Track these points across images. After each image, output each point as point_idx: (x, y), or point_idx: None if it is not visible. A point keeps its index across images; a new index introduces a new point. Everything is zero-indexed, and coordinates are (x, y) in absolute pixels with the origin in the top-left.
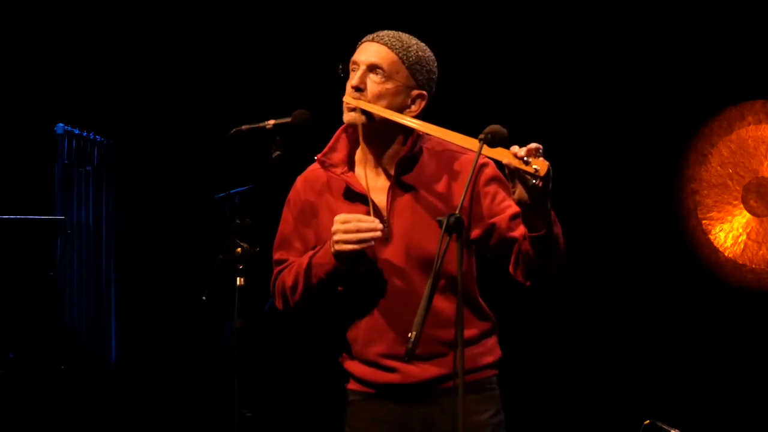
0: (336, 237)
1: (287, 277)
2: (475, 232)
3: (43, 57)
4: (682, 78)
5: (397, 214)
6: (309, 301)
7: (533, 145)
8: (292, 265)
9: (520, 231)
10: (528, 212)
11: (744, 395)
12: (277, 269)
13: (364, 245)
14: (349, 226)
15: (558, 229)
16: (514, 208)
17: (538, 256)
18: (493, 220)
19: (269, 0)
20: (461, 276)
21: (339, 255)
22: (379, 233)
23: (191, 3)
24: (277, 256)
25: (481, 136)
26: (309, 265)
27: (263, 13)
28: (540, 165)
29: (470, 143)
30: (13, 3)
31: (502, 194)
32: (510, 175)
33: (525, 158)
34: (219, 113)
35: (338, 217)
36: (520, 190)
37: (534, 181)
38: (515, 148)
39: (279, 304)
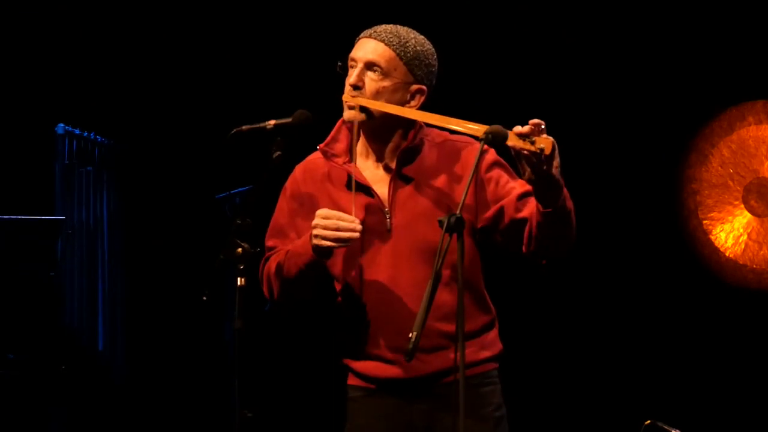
0: (315, 231)
1: (272, 263)
2: (484, 219)
3: (43, 57)
4: (683, 78)
5: (398, 205)
6: (289, 290)
7: (535, 120)
8: (280, 252)
9: (529, 210)
10: (539, 188)
11: (744, 395)
12: (266, 255)
13: (340, 244)
14: (328, 223)
15: (570, 203)
16: (520, 189)
17: (551, 232)
18: (500, 203)
19: (269, 0)
20: (462, 276)
21: (316, 248)
22: (357, 234)
23: (191, 3)
24: (269, 243)
25: (482, 137)
26: (290, 253)
27: (263, 13)
28: (545, 143)
29: (472, 130)
30: (13, 3)
31: (505, 177)
32: (516, 157)
33: (529, 137)
34: (219, 113)
35: (320, 212)
36: (529, 171)
37: (540, 159)
38: (518, 128)
39: (265, 290)
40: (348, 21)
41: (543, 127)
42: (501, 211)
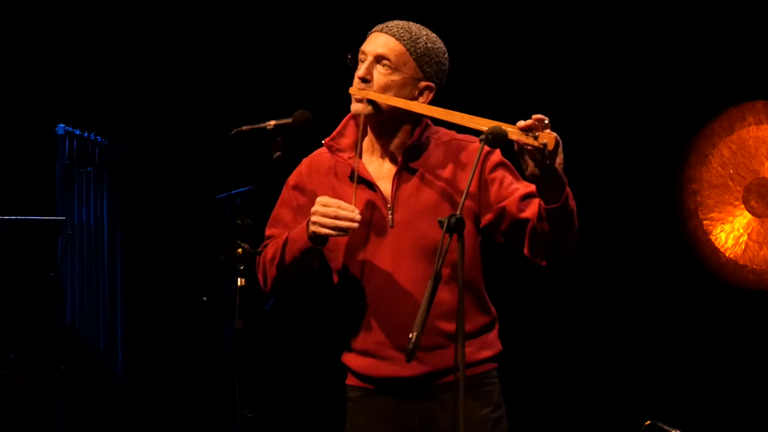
0: (313, 218)
1: (269, 250)
2: (486, 219)
3: (44, 57)
4: (683, 78)
5: (401, 202)
6: (283, 278)
7: (538, 116)
8: (277, 239)
9: (531, 211)
10: (542, 185)
11: (744, 395)
12: (264, 243)
13: (338, 233)
14: (328, 211)
15: (573, 203)
16: (523, 190)
17: (553, 231)
18: (502, 204)
19: (269, 0)
20: (462, 276)
21: (313, 236)
22: (355, 224)
23: (191, 3)
24: (269, 232)
25: (482, 136)
26: (286, 240)
27: (263, 13)
28: (548, 139)
29: (477, 123)
30: (13, 3)
31: (509, 178)
32: (519, 152)
33: (533, 133)
34: (220, 113)
35: (320, 199)
36: (531, 166)
37: (543, 155)
38: (521, 122)
39: (260, 278)
40: (348, 21)
41: (547, 122)
42: (503, 211)
